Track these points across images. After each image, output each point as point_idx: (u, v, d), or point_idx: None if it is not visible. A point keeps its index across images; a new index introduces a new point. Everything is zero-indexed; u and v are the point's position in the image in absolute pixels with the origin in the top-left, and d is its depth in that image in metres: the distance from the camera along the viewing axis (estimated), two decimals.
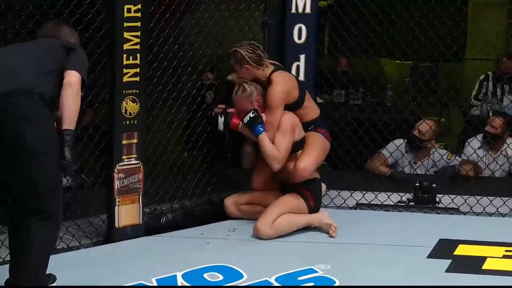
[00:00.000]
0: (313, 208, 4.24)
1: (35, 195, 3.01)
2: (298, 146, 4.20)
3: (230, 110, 4.15)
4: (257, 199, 4.31)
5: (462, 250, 3.94)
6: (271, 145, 4.07)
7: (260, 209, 4.25)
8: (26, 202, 3.02)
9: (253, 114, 4.07)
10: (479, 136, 5.32)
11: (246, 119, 4.07)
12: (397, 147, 5.16)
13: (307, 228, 4.17)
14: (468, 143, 5.34)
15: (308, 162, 4.14)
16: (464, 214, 4.58)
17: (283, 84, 4.15)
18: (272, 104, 4.10)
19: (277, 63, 4.33)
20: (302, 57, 4.68)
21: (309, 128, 4.29)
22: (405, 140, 5.21)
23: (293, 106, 4.20)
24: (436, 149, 5.30)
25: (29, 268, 3.02)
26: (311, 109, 4.35)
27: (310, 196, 4.21)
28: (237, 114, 4.14)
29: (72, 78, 3.05)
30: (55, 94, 3.05)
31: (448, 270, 3.65)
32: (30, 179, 2.99)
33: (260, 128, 4.07)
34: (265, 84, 4.17)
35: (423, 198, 4.67)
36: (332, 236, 4.07)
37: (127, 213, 3.99)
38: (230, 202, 4.33)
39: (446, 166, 5.21)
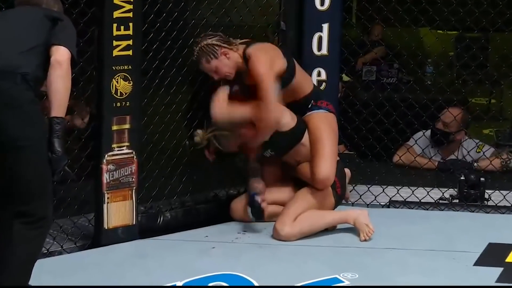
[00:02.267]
0: (340, 196, 4.26)
1: (21, 195, 3.02)
2: (294, 137, 4.22)
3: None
4: (270, 198, 4.32)
5: None
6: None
7: (274, 208, 4.27)
8: (11, 202, 3.02)
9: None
10: (427, 133, 5.28)
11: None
12: (430, 141, 5.17)
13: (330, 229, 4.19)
14: None
15: (328, 169, 4.17)
16: None
17: (262, 54, 4.15)
18: (260, 78, 4.06)
19: (249, 40, 4.33)
20: (325, 26, 4.66)
21: (309, 106, 4.30)
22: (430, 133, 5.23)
23: (283, 81, 4.19)
24: (464, 140, 5.29)
25: (9, 277, 3.03)
26: (305, 81, 4.36)
27: (338, 180, 4.23)
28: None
29: (62, 55, 3.04)
30: (39, 74, 3.05)
31: (499, 280, 3.64)
32: (15, 177, 2.99)
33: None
34: (243, 69, 4.18)
35: (470, 195, 4.67)
36: (363, 240, 4.07)
37: (118, 211, 4.01)
38: (238, 206, 4.34)
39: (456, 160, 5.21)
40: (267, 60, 4.14)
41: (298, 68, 4.31)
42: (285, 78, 4.20)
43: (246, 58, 4.18)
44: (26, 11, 3.24)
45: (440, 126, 5.27)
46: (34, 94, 3.03)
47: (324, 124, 4.28)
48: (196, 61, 4.22)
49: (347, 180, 4.48)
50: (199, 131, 4.21)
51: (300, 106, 4.32)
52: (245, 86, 4.22)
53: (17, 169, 2.99)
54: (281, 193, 4.32)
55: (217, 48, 4.17)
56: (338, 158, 4.32)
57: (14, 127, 2.95)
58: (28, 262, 3.09)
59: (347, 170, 4.54)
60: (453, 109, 5.18)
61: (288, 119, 4.23)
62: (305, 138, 4.26)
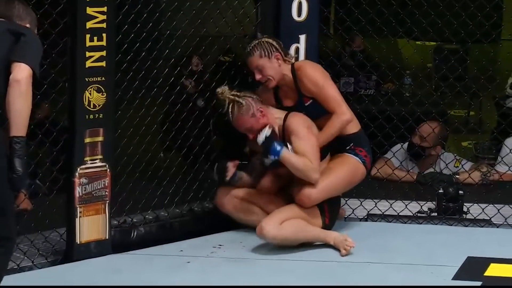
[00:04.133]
0: (328, 226, 4.28)
1: None
2: None
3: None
4: (258, 200, 4.34)
5: (494, 270, 3.95)
6: (298, 158, 4.09)
7: (258, 211, 4.30)
8: None
9: (269, 134, 4.08)
10: (405, 145, 5.33)
11: (261, 139, 4.08)
12: (408, 154, 5.21)
13: (310, 244, 4.18)
14: (504, 144, 5.34)
15: (317, 190, 4.16)
16: (497, 227, 4.60)
17: (315, 66, 4.32)
18: (321, 84, 4.20)
19: None
20: (302, 37, 4.68)
21: (347, 148, 4.32)
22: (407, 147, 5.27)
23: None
24: (441, 154, 5.32)
25: None
26: (354, 117, 4.39)
27: (328, 211, 4.26)
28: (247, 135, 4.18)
29: (21, 73, 2.97)
30: (2, 92, 2.99)
31: None
32: None
33: (277, 147, 4.07)
34: (286, 81, 4.28)
35: (448, 208, 4.68)
36: (344, 254, 4.08)
37: (91, 226, 3.99)
38: (225, 192, 4.35)
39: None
40: (321, 69, 4.31)
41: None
42: None
43: (295, 71, 4.28)
44: None
45: (417, 140, 5.30)
46: None
47: (347, 166, 4.30)
48: (246, 53, 4.27)
49: (339, 218, 4.50)
50: (225, 89, 4.15)
51: (339, 143, 4.32)
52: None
53: None
54: (270, 201, 4.32)
55: (274, 49, 4.25)
56: (338, 195, 4.35)
57: None
58: None
59: (341, 210, 4.56)
60: (430, 123, 5.21)
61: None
62: (322, 165, 4.25)
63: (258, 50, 4.24)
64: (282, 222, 4.09)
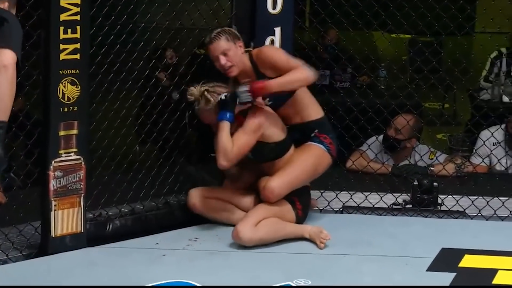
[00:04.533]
0: (301, 218, 4.30)
1: None
2: (276, 151, 4.24)
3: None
4: (230, 196, 4.36)
5: (468, 261, 3.99)
6: (228, 137, 4.10)
7: (230, 208, 4.33)
8: None
9: (227, 97, 4.11)
10: (380, 138, 5.37)
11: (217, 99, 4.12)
12: (383, 146, 5.24)
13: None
14: (478, 136, 5.39)
15: (280, 184, 4.18)
16: (471, 218, 4.64)
17: (272, 46, 4.36)
18: (283, 60, 4.19)
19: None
20: (277, 30, 4.69)
21: (312, 135, 4.33)
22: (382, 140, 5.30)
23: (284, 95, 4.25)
24: (416, 146, 5.37)
25: None
26: (312, 105, 4.40)
27: (299, 202, 4.27)
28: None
29: (7, 59, 2.99)
30: None
31: (452, 285, 3.69)
32: None
33: (227, 114, 4.10)
34: (247, 71, 4.25)
35: (423, 200, 4.72)
36: (322, 247, 4.10)
37: (66, 219, 3.98)
38: (196, 193, 4.36)
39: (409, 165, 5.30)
40: (281, 50, 4.32)
41: (304, 89, 4.36)
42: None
43: (253, 59, 4.26)
44: None
45: (392, 133, 5.34)
46: None
47: (311, 157, 4.30)
48: (210, 39, 4.21)
49: (311, 208, 4.53)
50: (193, 88, 4.17)
51: (302, 130, 4.35)
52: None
53: None
54: (242, 197, 4.35)
55: (237, 37, 4.25)
56: (307, 185, 4.34)
57: None
58: None
59: (312, 201, 4.58)
60: (405, 115, 5.25)
61: (276, 132, 4.25)
62: (284, 159, 4.27)
63: (224, 35, 4.22)
64: (256, 224, 4.10)
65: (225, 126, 4.12)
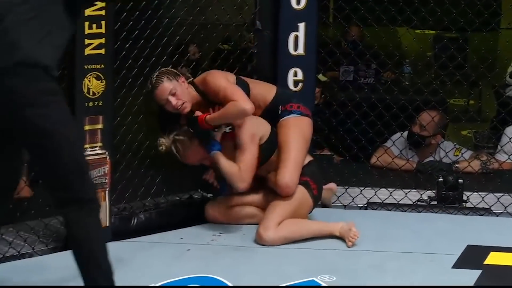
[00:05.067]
0: (317, 197, 4.30)
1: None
2: (268, 149, 4.25)
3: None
4: (247, 199, 4.37)
5: (494, 258, 3.98)
6: (228, 163, 4.14)
7: (252, 212, 4.34)
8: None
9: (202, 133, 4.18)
10: (405, 134, 5.37)
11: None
12: (407, 142, 5.25)
13: None
14: (503, 132, 5.38)
15: (289, 174, 4.16)
16: (497, 216, 4.65)
17: (215, 73, 4.27)
18: (223, 87, 4.14)
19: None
20: (301, 25, 4.70)
21: (279, 112, 4.31)
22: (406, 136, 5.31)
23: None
24: (441, 143, 5.36)
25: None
26: (264, 89, 4.39)
27: (312, 181, 4.26)
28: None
29: None
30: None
31: (477, 283, 3.69)
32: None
33: (214, 145, 4.17)
34: (198, 101, 4.25)
35: (448, 196, 4.72)
36: (350, 246, 4.10)
37: None
38: (213, 206, 4.39)
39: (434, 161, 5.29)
40: (222, 75, 4.24)
41: (250, 80, 4.37)
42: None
43: (197, 87, 4.25)
44: None
45: (417, 129, 5.33)
46: (55, 84, 3.03)
47: (291, 130, 4.27)
48: (151, 87, 4.16)
49: (331, 194, 4.53)
50: (162, 139, 4.21)
51: (269, 113, 4.33)
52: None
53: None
54: (259, 196, 4.36)
55: (178, 74, 4.22)
56: (311, 159, 4.32)
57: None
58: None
59: (332, 185, 4.59)
60: (430, 112, 5.24)
61: (264, 130, 4.26)
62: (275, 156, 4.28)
63: (164, 76, 4.17)
64: (279, 223, 4.11)
65: (219, 156, 4.15)
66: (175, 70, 4.26)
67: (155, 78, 4.17)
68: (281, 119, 4.32)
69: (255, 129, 4.21)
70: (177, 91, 4.15)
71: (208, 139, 4.18)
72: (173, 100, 4.15)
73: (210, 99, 4.22)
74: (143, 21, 4.39)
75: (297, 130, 4.29)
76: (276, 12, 4.72)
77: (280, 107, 4.34)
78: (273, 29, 4.74)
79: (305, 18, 4.70)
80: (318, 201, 4.37)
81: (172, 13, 4.60)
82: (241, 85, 4.25)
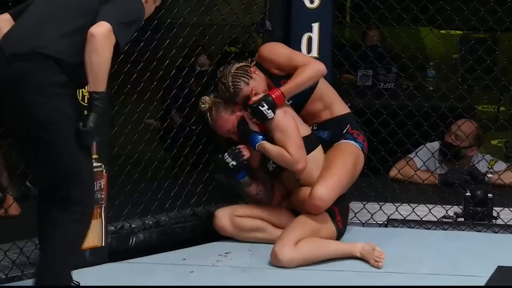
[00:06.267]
0: (341, 231, 4.30)
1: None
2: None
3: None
4: (262, 214, 4.36)
5: None
6: (276, 149, 4.15)
7: (264, 227, 4.34)
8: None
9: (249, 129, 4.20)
10: (435, 144, 5.35)
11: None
12: (433, 154, 5.21)
13: None
14: None
15: (328, 189, 4.16)
16: None
17: (270, 45, 4.41)
18: (285, 58, 4.26)
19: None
20: (315, 26, 4.70)
21: (344, 131, 4.34)
22: (439, 148, 5.27)
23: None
24: (476, 155, 5.34)
25: None
26: (339, 99, 4.43)
27: (338, 213, 4.26)
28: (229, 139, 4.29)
29: (97, 28, 3.17)
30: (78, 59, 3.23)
31: None
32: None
33: (257, 137, 4.19)
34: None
35: (476, 212, 4.70)
36: (375, 266, 4.07)
37: None
38: (224, 213, 4.37)
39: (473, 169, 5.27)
40: (280, 44, 4.41)
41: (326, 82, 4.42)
42: None
43: (261, 66, 4.29)
44: None
45: (451, 140, 5.31)
46: (67, 78, 3.21)
47: (350, 157, 4.31)
48: (231, 96, 4.21)
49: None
50: (206, 97, 4.26)
51: (334, 126, 4.37)
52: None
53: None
54: (276, 213, 4.36)
55: (246, 67, 4.24)
56: (344, 192, 4.31)
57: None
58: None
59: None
60: (467, 122, 5.22)
61: (300, 126, 4.26)
62: (314, 158, 4.26)
63: (240, 82, 4.19)
64: (296, 243, 4.08)
65: (265, 145, 4.16)
66: (244, 64, 4.27)
67: (231, 85, 4.18)
68: (342, 140, 4.35)
69: (292, 112, 4.23)
70: (256, 90, 4.21)
71: (247, 133, 4.20)
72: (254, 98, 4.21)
73: (265, 69, 4.29)
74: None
75: (354, 160, 4.32)
76: (288, 11, 4.73)
77: (348, 126, 4.38)
78: (284, 30, 4.73)
79: (320, 18, 4.70)
80: (341, 236, 4.33)
81: (174, 13, 4.60)
82: None
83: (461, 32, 7.48)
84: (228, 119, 4.25)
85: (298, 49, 4.67)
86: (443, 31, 7.11)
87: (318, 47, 4.71)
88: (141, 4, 3.43)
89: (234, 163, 4.24)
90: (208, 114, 4.26)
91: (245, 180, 4.34)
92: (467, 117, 5.31)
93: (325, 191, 4.16)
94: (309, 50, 4.70)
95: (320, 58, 4.66)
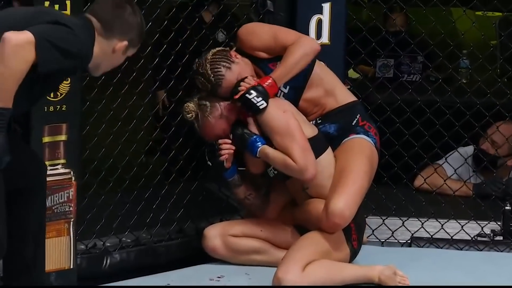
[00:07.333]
0: (356, 251, 4.30)
1: None
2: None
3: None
4: (261, 233, 4.37)
5: None
6: (279, 156, 4.14)
7: (264, 248, 4.35)
8: None
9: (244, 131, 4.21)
10: (469, 148, 5.37)
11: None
12: (466, 160, 5.22)
13: None
14: None
15: (347, 202, 4.14)
16: None
17: (249, 25, 4.48)
18: (270, 38, 4.30)
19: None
20: (326, 6, 4.71)
21: (354, 122, 4.35)
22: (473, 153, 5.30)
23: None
24: None
25: None
26: (342, 85, 4.44)
27: (354, 231, 4.26)
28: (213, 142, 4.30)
29: (12, 34, 3.12)
30: None
31: None
32: None
33: (257, 141, 4.19)
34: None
35: None
36: None
37: (51, 251, 4.01)
38: (215, 232, 4.38)
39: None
40: (259, 24, 4.56)
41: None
42: None
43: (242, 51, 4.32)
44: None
45: (487, 146, 5.32)
46: None
47: (365, 158, 4.29)
48: (214, 86, 4.23)
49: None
50: (190, 104, 4.26)
51: (342, 116, 4.38)
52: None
53: None
54: (276, 230, 4.37)
55: (224, 52, 4.28)
56: (360, 209, 4.30)
57: None
58: None
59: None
60: (505, 124, 5.24)
61: (304, 126, 4.26)
62: (324, 163, 4.26)
63: (220, 67, 4.22)
64: (304, 266, 4.07)
65: (267, 151, 4.16)
66: (221, 48, 4.32)
67: (211, 73, 4.21)
68: (352, 136, 4.35)
69: (285, 105, 4.25)
70: (241, 76, 4.24)
71: (243, 138, 4.21)
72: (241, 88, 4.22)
73: (244, 52, 4.33)
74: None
75: (369, 160, 4.32)
76: None
77: (358, 116, 4.38)
78: (289, 11, 4.74)
79: None
80: (355, 256, 4.33)
81: None
82: None
83: (500, 14, 7.50)
84: (216, 124, 4.25)
85: (306, 34, 4.68)
86: (479, 13, 7.11)
87: (329, 31, 4.72)
88: (89, 44, 3.38)
89: (209, 163, 4.25)
90: (195, 121, 4.27)
91: (234, 179, 4.34)
92: (507, 116, 5.31)
93: (345, 205, 4.14)
94: (318, 35, 4.70)
95: (332, 45, 4.69)
